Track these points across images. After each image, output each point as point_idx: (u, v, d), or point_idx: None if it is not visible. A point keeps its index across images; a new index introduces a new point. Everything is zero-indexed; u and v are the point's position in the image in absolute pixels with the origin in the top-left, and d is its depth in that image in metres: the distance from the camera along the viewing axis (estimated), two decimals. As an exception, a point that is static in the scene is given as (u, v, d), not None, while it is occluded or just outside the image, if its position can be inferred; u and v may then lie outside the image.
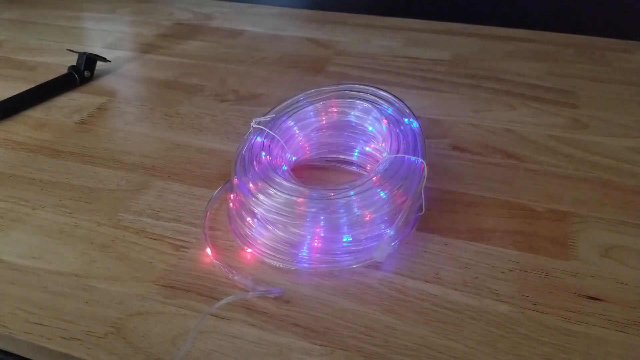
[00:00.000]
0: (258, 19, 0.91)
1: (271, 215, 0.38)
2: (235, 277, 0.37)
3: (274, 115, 0.46)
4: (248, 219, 0.40)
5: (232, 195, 0.43)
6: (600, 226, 0.43)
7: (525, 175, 0.50)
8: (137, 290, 0.37)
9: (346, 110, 0.47)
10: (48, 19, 0.90)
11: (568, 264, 0.40)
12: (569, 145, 0.54)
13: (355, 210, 0.37)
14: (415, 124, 0.44)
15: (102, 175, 0.49)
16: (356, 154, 0.49)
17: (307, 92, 0.48)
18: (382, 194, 0.38)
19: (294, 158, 0.47)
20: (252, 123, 0.45)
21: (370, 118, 0.46)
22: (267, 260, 0.39)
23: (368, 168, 0.48)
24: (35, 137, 0.55)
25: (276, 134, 0.44)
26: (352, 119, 0.47)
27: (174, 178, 0.49)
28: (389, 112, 0.45)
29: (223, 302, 0.35)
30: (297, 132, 0.47)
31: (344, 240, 0.38)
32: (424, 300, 0.37)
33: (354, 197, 0.37)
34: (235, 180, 0.41)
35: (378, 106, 0.46)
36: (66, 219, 0.44)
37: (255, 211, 0.39)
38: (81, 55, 0.67)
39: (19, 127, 0.57)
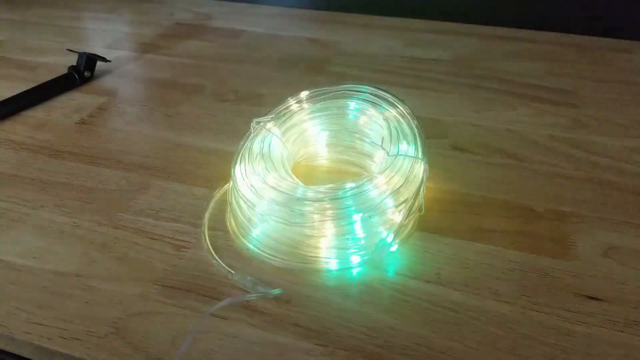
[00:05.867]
0: (258, 19, 0.91)
1: (271, 215, 0.38)
2: (235, 278, 0.37)
3: (274, 115, 0.46)
4: (248, 218, 0.40)
5: (232, 195, 0.43)
6: (600, 226, 0.43)
7: (525, 175, 0.50)
8: (137, 290, 0.37)
9: (346, 110, 0.47)
10: (48, 19, 0.90)
11: (568, 264, 0.40)
12: (569, 145, 0.54)
13: (356, 210, 0.37)
14: (415, 124, 0.44)
15: (102, 175, 0.49)
16: (356, 154, 0.49)
17: (307, 92, 0.48)
18: (382, 194, 0.38)
19: (294, 158, 0.47)
20: (252, 123, 0.45)
21: (370, 118, 0.46)
22: (267, 260, 0.39)
23: (368, 168, 0.48)
24: (35, 137, 0.55)
25: (276, 134, 0.44)
26: (352, 119, 0.47)
27: (174, 178, 0.49)
28: (389, 112, 0.45)
29: (218, 305, 0.34)
30: (297, 132, 0.47)
31: (345, 240, 0.38)
32: (424, 300, 0.37)
33: (354, 197, 0.37)
34: (236, 180, 0.41)
35: (378, 106, 0.46)
36: (66, 219, 0.44)
37: (256, 211, 0.39)
38: (81, 55, 0.67)
39: (19, 127, 0.57)
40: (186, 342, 0.32)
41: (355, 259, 0.38)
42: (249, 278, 0.37)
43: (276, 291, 0.36)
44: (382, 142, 0.44)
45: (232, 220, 0.42)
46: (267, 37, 0.83)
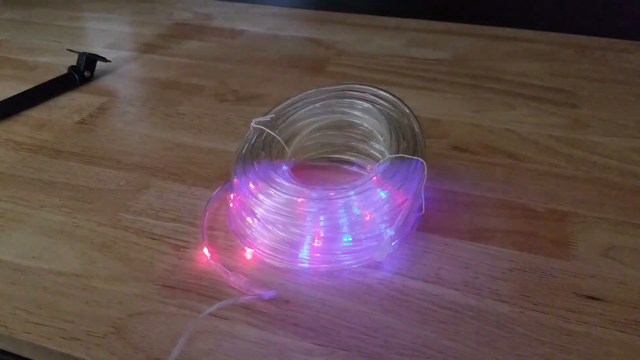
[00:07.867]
0: (258, 19, 0.91)
1: (271, 215, 0.38)
2: (231, 278, 0.37)
3: (274, 115, 0.46)
4: (248, 219, 0.40)
5: (232, 195, 0.43)
6: (600, 226, 0.43)
7: (525, 175, 0.50)
8: (137, 290, 0.37)
9: (346, 110, 0.47)
10: (48, 19, 0.90)
11: (568, 264, 0.40)
12: (569, 145, 0.54)
13: (355, 210, 0.37)
14: (415, 124, 0.44)
15: (102, 175, 0.49)
16: (356, 154, 0.49)
17: (307, 92, 0.48)
18: (382, 194, 0.38)
19: (294, 158, 0.47)
20: (252, 123, 0.45)
21: (370, 118, 0.46)
22: (267, 260, 0.39)
23: (368, 168, 0.48)
24: (35, 137, 0.55)
25: (276, 134, 0.44)
26: (352, 119, 0.47)
27: (174, 178, 0.49)
28: (389, 112, 0.45)
29: (212, 308, 0.34)
30: (297, 132, 0.47)
31: (344, 240, 0.38)
32: (424, 300, 0.37)
33: (354, 197, 0.37)
34: (235, 180, 0.41)
35: (378, 106, 0.46)
36: (66, 219, 0.44)
37: (255, 211, 0.39)
38: (81, 55, 0.67)
39: (19, 127, 0.57)
40: (179, 344, 0.32)
41: (356, 259, 0.38)
42: (244, 279, 0.37)
43: (270, 294, 0.36)
44: (382, 142, 0.44)
45: (231, 220, 0.42)
46: (267, 37, 0.83)
